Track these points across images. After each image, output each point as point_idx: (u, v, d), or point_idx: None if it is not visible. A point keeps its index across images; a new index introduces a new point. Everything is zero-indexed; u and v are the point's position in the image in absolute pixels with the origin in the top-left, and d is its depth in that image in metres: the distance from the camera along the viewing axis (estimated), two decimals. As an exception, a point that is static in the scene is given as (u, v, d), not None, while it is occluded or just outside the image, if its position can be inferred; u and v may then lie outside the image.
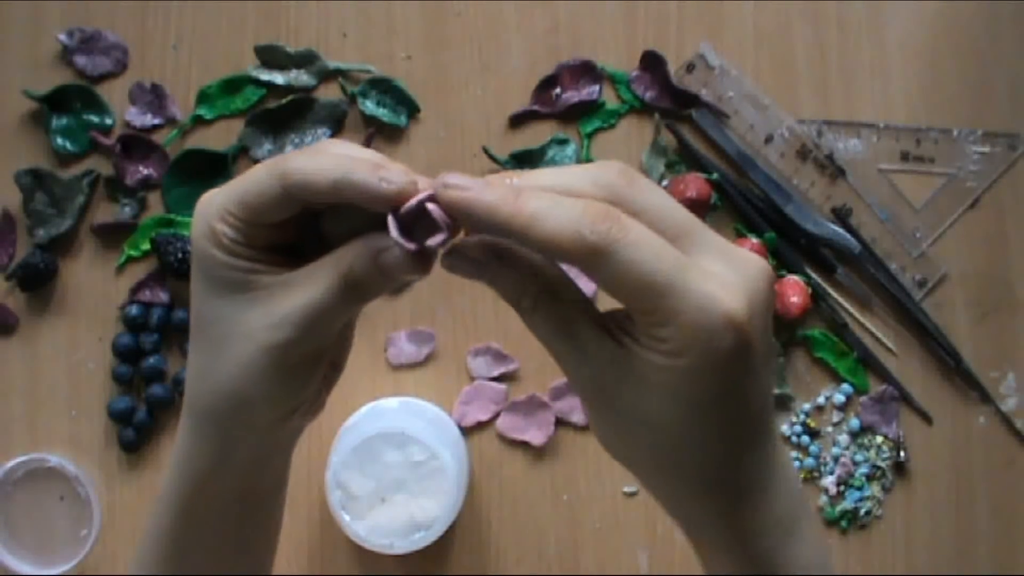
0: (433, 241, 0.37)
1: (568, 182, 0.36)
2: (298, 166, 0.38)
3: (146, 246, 0.74)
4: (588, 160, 0.75)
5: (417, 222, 0.37)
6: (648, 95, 0.75)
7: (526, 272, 0.37)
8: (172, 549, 0.46)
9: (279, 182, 0.38)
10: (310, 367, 0.41)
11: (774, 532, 0.39)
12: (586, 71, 0.75)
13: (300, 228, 0.41)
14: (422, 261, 0.38)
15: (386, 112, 0.75)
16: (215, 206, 0.39)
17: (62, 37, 0.74)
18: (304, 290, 0.39)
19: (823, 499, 0.75)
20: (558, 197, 0.35)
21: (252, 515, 0.47)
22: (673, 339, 0.35)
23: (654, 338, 0.35)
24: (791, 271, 0.74)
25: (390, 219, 0.37)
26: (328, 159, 0.38)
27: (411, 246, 0.37)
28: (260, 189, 0.38)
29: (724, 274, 0.35)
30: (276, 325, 0.39)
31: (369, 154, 0.39)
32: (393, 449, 0.66)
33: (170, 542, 0.46)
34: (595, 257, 0.34)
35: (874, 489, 0.75)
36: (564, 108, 0.75)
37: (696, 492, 0.39)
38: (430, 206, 0.37)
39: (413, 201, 0.37)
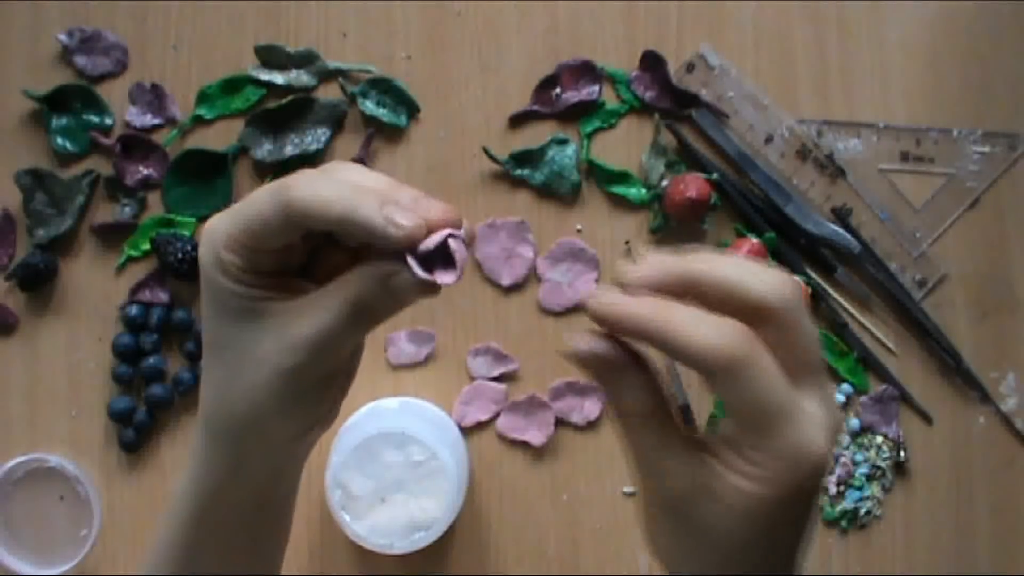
0: (446, 280, 0.37)
1: (746, 282, 0.37)
2: (301, 196, 0.37)
3: (146, 246, 0.74)
4: (587, 161, 0.75)
5: (433, 250, 0.37)
6: (648, 95, 0.75)
7: (646, 379, 0.38)
8: (186, 556, 0.46)
9: (283, 212, 0.37)
10: (324, 387, 0.42)
11: None
12: (586, 71, 0.75)
13: (308, 249, 0.41)
14: (433, 286, 0.38)
15: (386, 112, 0.75)
16: (221, 234, 0.39)
17: (62, 37, 0.74)
18: (314, 316, 0.39)
19: (823, 499, 0.75)
20: (703, 314, 0.36)
21: (266, 522, 0.48)
22: (765, 466, 0.37)
23: (746, 462, 0.37)
24: (791, 271, 0.74)
25: (411, 259, 0.37)
26: (333, 188, 0.37)
27: (428, 278, 0.37)
28: (264, 218, 0.38)
29: (820, 418, 0.37)
30: (288, 350, 0.39)
31: (375, 180, 0.39)
32: (393, 449, 0.66)
33: (183, 550, 0.46)
34: (731, 371, 0.35)
35: (874, 489, 0.75)
36: (564, 108, 0.75)
37: None
38: (452, 243, 0.37)
39: (433, 241, 0.36)
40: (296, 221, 0.37)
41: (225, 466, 0.43)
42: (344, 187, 0.37)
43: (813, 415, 0.37)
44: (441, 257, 0.37)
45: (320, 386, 0.41)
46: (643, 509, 0.41)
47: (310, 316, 0.39)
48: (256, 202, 0.38)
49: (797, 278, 0.40)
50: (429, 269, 0.37)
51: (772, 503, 0.37)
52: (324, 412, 0.43)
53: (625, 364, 0.38)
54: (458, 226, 0.38)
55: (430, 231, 0.37)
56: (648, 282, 0.38)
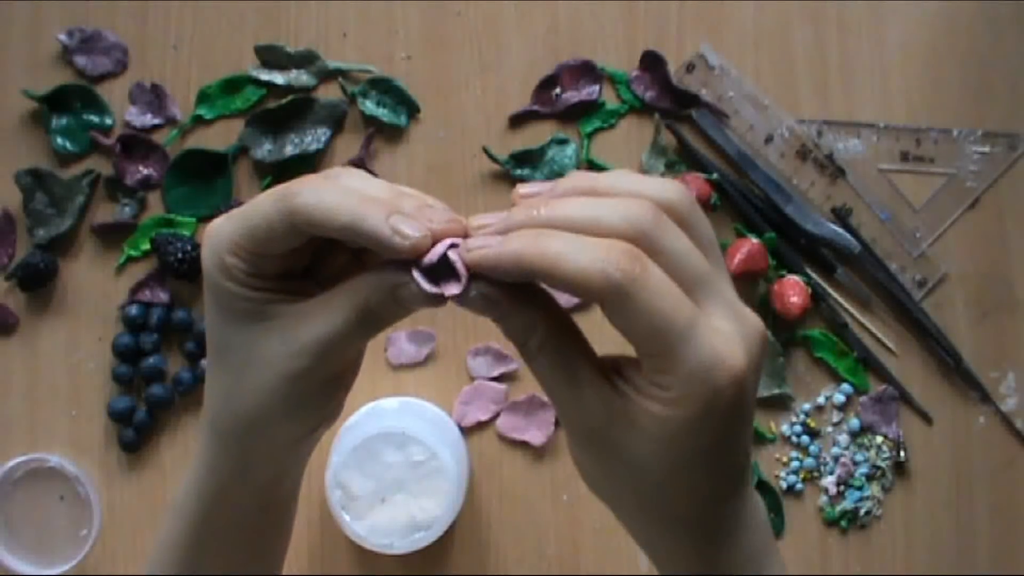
0: (451, 291, 0.37)
1: (597, 216, 0.36)
2: (306, 203, 0.37)
3: (146, 246, 0.74)
4: (588, 161, 0.75)
5: (437, 262, 0.37)
6: (648, 95, 0.75)
7: (536, 314, 0.37)
8: (190, 557, 0.46)
9: (288, 218, 0.37)
10: (330, 388, 0.42)
11: (746, 567, 0.40)
12: (586, 71, 0.75)
13: (312, 251, 0.41)
14: (440, 297, 0.38)
15: (386, 112, 0.75)
16: (224, 238, 0.39)
17: (62, 37, 0.74)
18: (321, 320, 0.39)
19: (823, 499, 0.75)
20: (581, 238, 0.35)
21: (269, 522, 0.48)
22: (675, 388, 0.35)
23: (656, 385, 0.36)
24: (791, 271, 0.74)
25: (417, 273, 0.37)
26: (339, 197, 0.37)
27: (435, 290, 0.37)
28: (268, 224, 0.38)
29: (729, 331, 0.36)
30: (295, 354, 0.39)
31: (378, 187, 0.39)
32: (393, 449, 0.66)
33: (188, 550, 0.46)
34: (617, 295, 0.34)
35: (874, 489, 0.75)
36: (564, 108, 0.75)
37: (675, 532, 0.40)
38: (451, 255, 0.37)
39: (435, 253, 0.36)
40: (301, 228, 0.37)
41: (230, 467, 0.43)
42: (350, 196, 0.37)
43: (719, 329, 0.36)
44: (446, 267, 0.37)
45: (326, 388, 0.41)
46: (567, 438, 0.40)
47: (316, 320, 0.39)
48: (260, 208, 0.38)
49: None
50: (434, 279, 0.37)
51: (687, 425, 0.36)
52: (329, 412, 0.43)
53: (511, 300, 0.37)
54: (462, 235, 0.37)
55: (435, 241, 0.37)
56: (541, 191, 0.37)
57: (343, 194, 0.37)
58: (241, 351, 0.40)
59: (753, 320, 0.38)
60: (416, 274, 0.37)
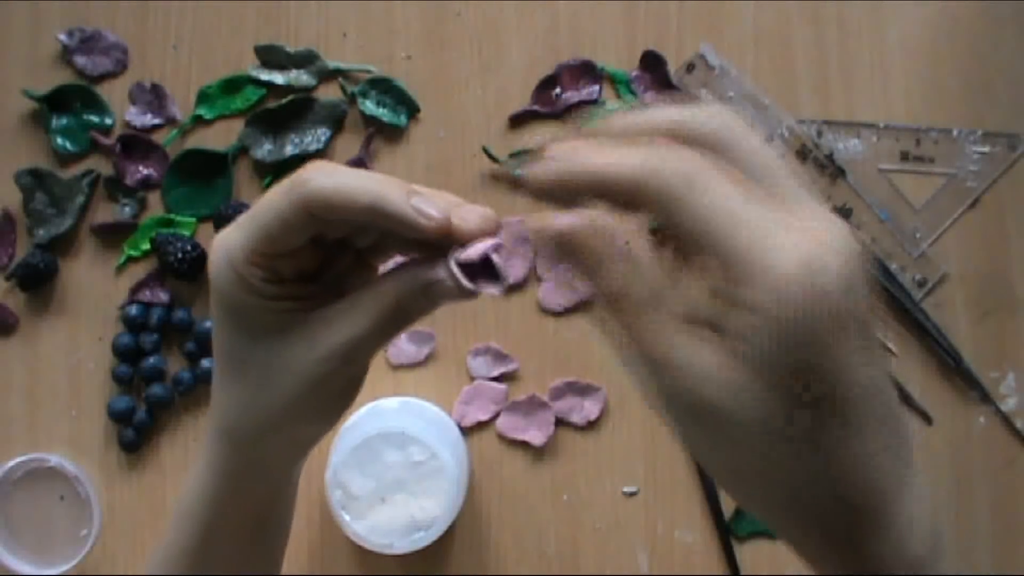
0: (492, 292, 0.37)
1: (689, 115, 0.33)
2: (322, 187, 0.36)
3: (146, 246, 0.74)
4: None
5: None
6: (648, 95, 0.75)
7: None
8: (200, 561, 0.46)
9: (303, 206, 0.36)
10: (354, 386, 0.42)
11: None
12: (586, 71, 0.75)
13: (320, 256, 0.41)
14: (475, 293, 0.37)
15: (386, 112, 0.75)
16: (236, 249, 0.38)
17: (62, 37, 0.74)
18: (349, 323, 0.38)
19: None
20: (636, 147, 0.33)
21: (275, 521, 0.48)
22: (745, 297, 0.31)
23: (735, 309, 0.31)
24: (791, 271, 0.74)
25: (456, 269, 0.37)
26: (357, 178, 0.36)
27: (475, 288, 0.37)
28: (281, 219, 0.37)
29: (790, 232, 0.31)
30: (323, 359, 0.39)
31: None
32: (393, 449, 0.66)
33: (198, 555, 0.46)
34: (669, 195, 0.31)
35: (874, 489, 0.75)
36: (564, 108, 0.75)
37: (800, 519, 0.34)
38: (495, 258, 0.36)
39: (477, 252, 0.36)
40: (317, 215, 0.36)
41: (246, 472, 0.44)
42: (368, 177, 0.36)
43: (777, 221, 0.30)
44: (480, 263, 0.37)
45: (351, 386, 0.42)
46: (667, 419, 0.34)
47: (344, 323, 0.38)
48: (270, 205, 0.37)
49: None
50: (469, 274, 0.37)
51: (761, 347, 0.30)
52: (346, 410, 0.43)
53: (614, 230, 0.33)
54: (496, 232, 0.37)
55: (469, 239, 0.37)
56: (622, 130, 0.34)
57: (360, 176, 0.36)
58: (263, 363, 0.40)
59: (833, 223, 0.31)
60: (456, 271, 0.37)
